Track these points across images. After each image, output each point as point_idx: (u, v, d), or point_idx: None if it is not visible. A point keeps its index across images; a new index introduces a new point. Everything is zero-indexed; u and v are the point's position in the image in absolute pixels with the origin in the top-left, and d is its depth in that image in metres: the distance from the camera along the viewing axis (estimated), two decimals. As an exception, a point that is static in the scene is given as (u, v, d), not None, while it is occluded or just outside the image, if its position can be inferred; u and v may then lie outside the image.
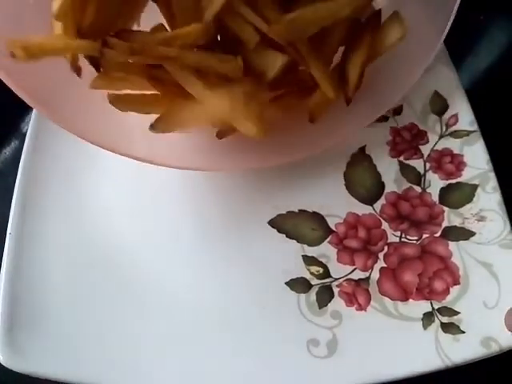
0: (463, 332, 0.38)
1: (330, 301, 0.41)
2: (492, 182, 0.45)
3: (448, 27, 0.42)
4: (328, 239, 0.44)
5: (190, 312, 0.41)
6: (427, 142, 0.48)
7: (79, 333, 0.39)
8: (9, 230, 0.42)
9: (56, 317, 0.40)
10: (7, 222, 0.43)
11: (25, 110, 0.52)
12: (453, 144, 0.47)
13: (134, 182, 0.46)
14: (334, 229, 0.44)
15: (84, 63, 0.34)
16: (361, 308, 0.41)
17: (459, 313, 0.39)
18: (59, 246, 0.42)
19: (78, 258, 0.42)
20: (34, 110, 0.48)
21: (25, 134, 0.47)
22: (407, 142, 0.48)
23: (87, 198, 0.45)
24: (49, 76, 0.35)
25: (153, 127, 0.35)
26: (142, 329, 0.40)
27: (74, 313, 0.40)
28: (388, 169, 0.47)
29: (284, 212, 0.45)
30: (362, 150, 0.48)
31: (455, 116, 0.49)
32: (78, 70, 0.34)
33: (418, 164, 0.47)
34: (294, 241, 0.44)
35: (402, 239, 0.44)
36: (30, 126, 0.47)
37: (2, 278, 0.40)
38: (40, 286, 0.40)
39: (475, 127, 0.48)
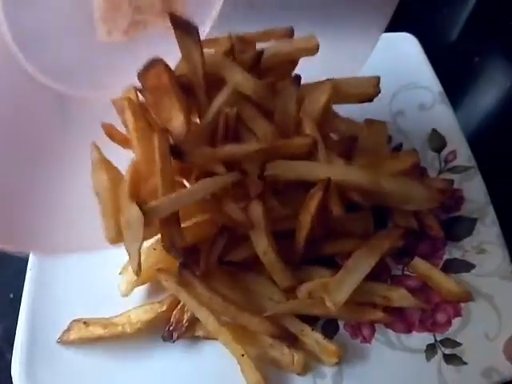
0: (465, 363, 0.39)
1: (335, 333, 0.42)
2: (491, 215, 0.46)
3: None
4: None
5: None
6: (427, 177, 0.50)
7: (95, 368, 0.40)
8: (29, 266, 0.44)
9: (73, 351, 0.41)
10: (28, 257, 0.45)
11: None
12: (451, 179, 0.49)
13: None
14: (338, 261, 0.46)
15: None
16: (365, 340, 0.42)
17: (461, 344, 0.40)
18: (76, 282, 0.44)
19: (93, 295, 0.43)
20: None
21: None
22: (407, 178, 0.50)
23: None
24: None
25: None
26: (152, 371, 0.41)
27: (90, 348, 0.41)
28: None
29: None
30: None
31: (453, 152, 0.51)
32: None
33: (418, 199, 0.49)
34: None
35: (405, 272, 0.45)
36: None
37: (23, 312, 0.42)
38: (58, 322, 0.42)
39: (473, 163, 0.50)
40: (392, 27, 0.60)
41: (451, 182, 0.48)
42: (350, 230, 0.43)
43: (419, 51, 0.58)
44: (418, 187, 0.43)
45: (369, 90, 0.46)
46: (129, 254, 0.36)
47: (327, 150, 0.41)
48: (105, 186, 0.39)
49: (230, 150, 0.38)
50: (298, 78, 0.43)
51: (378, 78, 0.46)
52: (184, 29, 0.38)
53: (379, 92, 0.45)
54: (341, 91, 0.44)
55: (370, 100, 0.46)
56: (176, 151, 0.37)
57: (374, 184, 0.41)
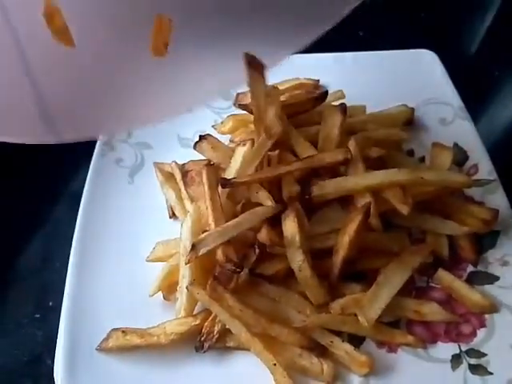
0: (491, 373, 0.40)
1: (361, 343, 0.43)
2: (513, 228, 0.47)
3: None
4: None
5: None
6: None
7: (132, 375, 0.42)
8: (68, 275, 0.46)
9: (112, 358, 0.43)
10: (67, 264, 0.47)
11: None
12: (474, 192, 0.50)
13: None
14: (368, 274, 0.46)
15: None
16: (391, 350, 0.43)
17: (486, 354, 0.41)
18: (114, 291, 0.46)
19: (131, 304, 0.45)
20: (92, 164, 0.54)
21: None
22: (430, 191, 0.51)
23: (138, 243, 0.49)
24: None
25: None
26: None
27: (127, 356, 0.43)
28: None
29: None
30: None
31: (475, 166, 0.52)
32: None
33: (441, 212, 0.50)
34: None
35: (430, 284, 0.46)
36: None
37: (63, 320, 0.44)
38: (96, 330, 0.43)
39: (494, 176, 0.51)
40: (412, 44, 0.62)
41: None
42: (386, 248, 0.45)
43: (439, 67, 0.60)
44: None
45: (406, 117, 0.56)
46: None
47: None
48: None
49: (272, 171, 0.43)
50: (344, 107, 0.48)
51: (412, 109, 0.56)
52: (255, 67, 0.43)
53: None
54: (378, 120, 0.51)
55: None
56: (225, 183, 0.44)
57: (417, 178, 0.43)
